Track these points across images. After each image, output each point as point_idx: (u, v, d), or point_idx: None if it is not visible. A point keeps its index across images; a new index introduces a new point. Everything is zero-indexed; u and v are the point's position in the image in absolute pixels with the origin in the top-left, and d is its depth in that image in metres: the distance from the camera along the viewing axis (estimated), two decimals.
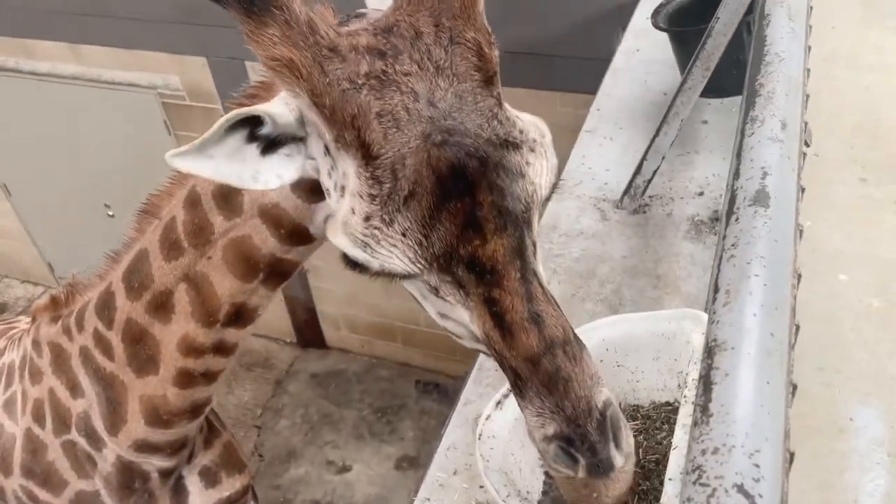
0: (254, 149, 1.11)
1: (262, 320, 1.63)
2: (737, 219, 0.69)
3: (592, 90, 3.42)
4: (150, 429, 1.78)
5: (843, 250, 2.38)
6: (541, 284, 1.07)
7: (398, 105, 0.98)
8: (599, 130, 3.14)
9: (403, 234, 1.00)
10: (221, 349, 1.66)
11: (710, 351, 0.59)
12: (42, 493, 1.97)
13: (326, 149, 1.08)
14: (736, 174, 0.74)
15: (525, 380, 1.04)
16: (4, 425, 2.01)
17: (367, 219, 1.00)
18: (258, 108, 1.08)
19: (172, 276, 1.52)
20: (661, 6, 3.09)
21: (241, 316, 1.58)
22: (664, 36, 3.08)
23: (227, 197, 1.40)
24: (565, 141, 3.11)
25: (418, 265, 1.02)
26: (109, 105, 6.10)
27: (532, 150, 1.05)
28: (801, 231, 0.74)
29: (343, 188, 1.05)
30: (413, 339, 6.68)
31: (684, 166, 2.89)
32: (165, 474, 2.00)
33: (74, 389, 1.82)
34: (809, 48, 1.04)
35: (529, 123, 1.08)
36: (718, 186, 2.79)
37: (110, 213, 6.98)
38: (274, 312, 6.76)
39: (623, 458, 1.06)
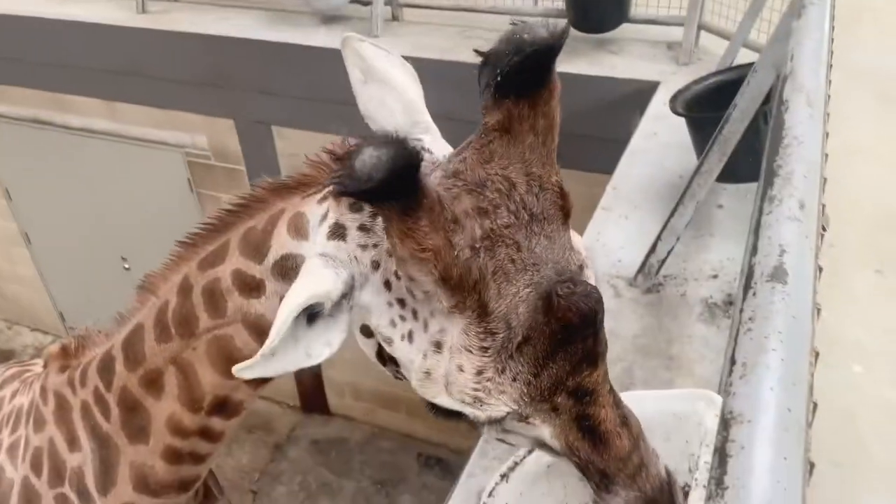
0: (302, 323, 1.09)
1: None
2: (754, 294, 0.70)
3: (607, 170, 3.48)
4: (137, 495, 1.76)
5: (858, 341, 2.36)
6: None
7: (505, 258, 1.00)
8: (615, 209, 3.17)
9: (514, 379, 1.02)
10: (207, 435, 1.65)
11: (725, 423, 0.58)
12: None
13: (401, 302, 1.08)
14: (753, 250, 0.75)
15: (612, 476, 1.10)
16: (6, 470, 1.99)
17: (479, 373, 1.02)
18: (314, 294, 1.07)
19: (162, 357, 1.54)
20: (678, 92, 3.17)
21: (225, 408, 1.59)
22: (681, 121, 3.15)
23: (214, 297, 1.39)
24: (578, 219, 3.13)
25: (521, 403, 1.05)
26: (136, 161, 6.26)
27: (588, 267, 1.13)
28: (818, 310, 0.74)
29: (439, 344, 1.05)
30: (418, 410, 6.54)
31: (699, 248, 2.90)
32: None
33: (72, 443, 1.81)
34: (827, 134, 1.06)
35: (579, 242, 1.14)
36: (733, 270, 2.78)
37: (126, 266, 7.05)
38: None
39: None
